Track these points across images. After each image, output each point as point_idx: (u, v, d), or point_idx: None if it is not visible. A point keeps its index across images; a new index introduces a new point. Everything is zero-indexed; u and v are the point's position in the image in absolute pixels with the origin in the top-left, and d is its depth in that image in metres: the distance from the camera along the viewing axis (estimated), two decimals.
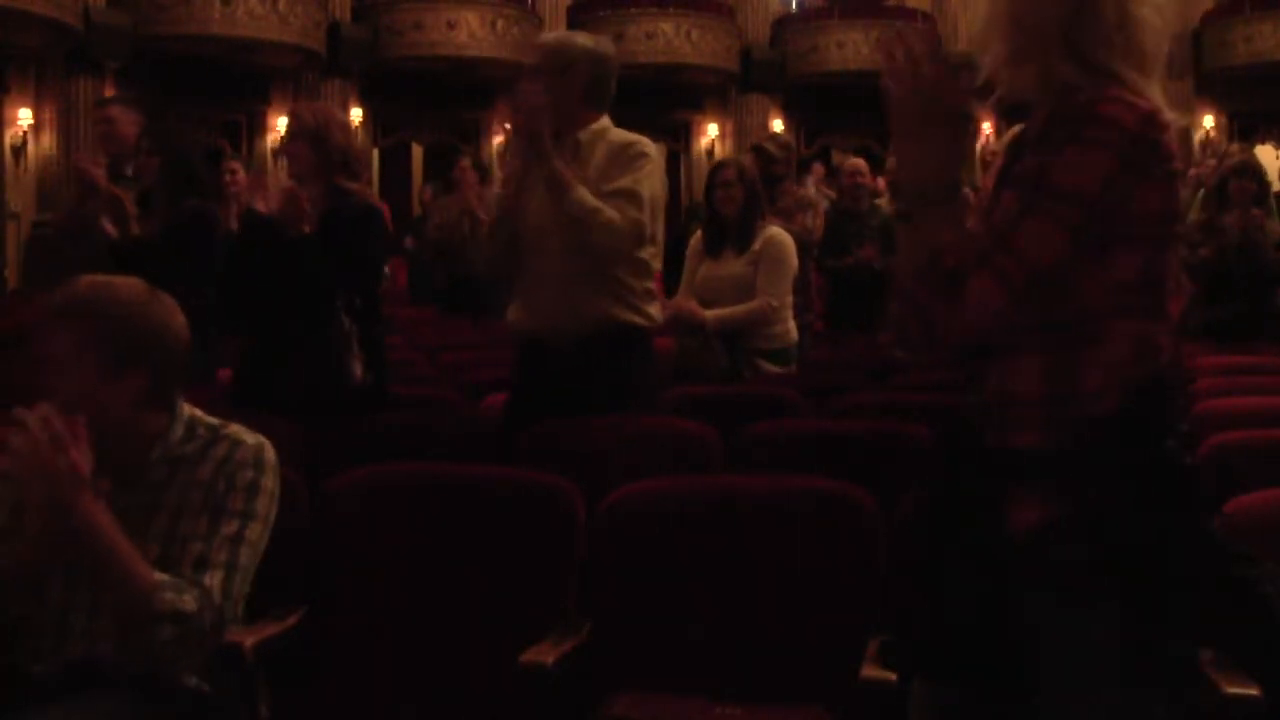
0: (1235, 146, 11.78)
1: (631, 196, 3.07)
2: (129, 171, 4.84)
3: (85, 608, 2.04)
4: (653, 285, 3.29)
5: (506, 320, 3.31)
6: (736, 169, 4.56)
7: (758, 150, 6.08)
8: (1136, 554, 1.51)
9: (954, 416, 1.71)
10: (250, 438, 2.16)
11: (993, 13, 1.62)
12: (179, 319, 2.11)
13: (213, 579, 1.99)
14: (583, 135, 3.16)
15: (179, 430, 2.11)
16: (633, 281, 3.17)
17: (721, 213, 4.47)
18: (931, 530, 1.67)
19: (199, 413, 2.17)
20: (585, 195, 3.03)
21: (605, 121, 3.24)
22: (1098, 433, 1.52)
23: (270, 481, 2.13)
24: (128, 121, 4.97)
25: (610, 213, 3.02)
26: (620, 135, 3.22)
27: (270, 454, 2.15)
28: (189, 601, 1.94)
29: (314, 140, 3.39)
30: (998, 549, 1.56)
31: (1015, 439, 1.57)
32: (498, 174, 7.80)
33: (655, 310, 3.25)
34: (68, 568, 2.03)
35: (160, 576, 1.94)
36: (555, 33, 3.59)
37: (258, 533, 2.08)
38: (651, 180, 3.15)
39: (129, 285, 2.09)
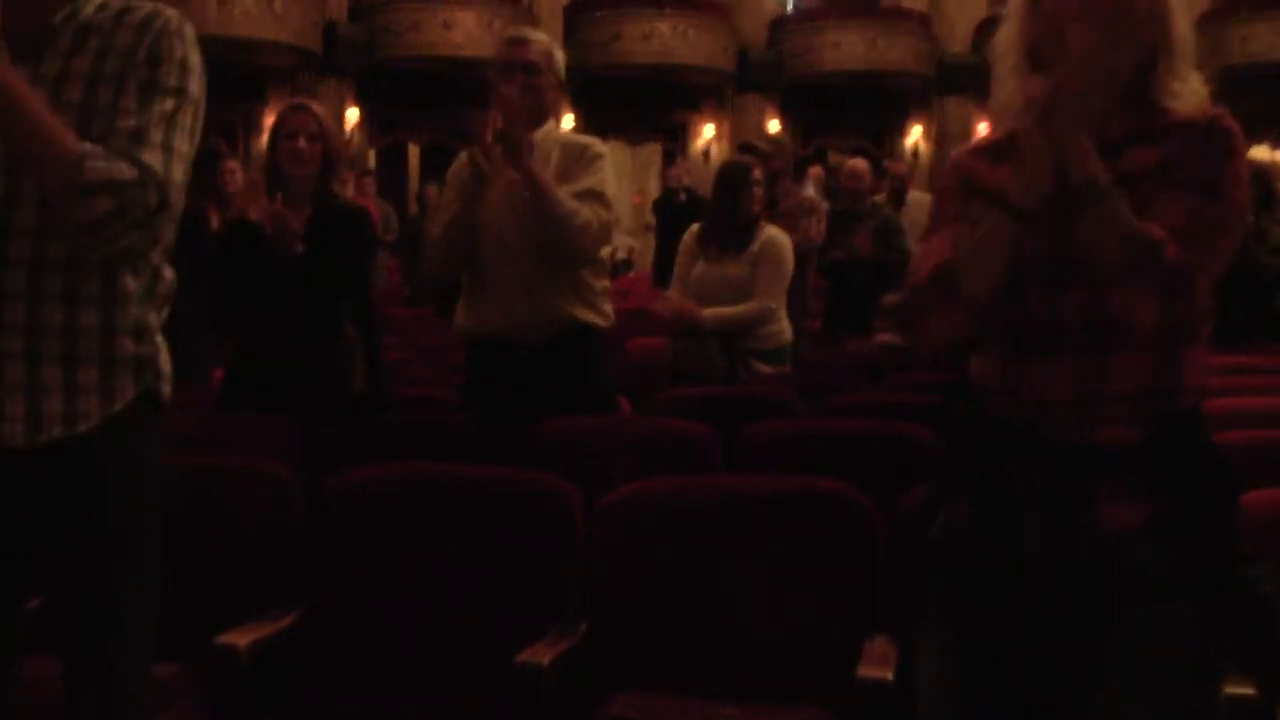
0: None
1: (599, 197, 3.12)
2: None
3: (32, 201, 1.73)
4: (608, 284, 3.35)
5: (456, 323, 3.32)
6: (763, 167, 4.66)
7: (748, 149, 6.06)
8: (1216, 552, 1.55)
9: (988, 418, 1.67)
10: (170, 10, 1.84)
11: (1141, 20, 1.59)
12: None
13: (152, 157, 1.72)
14: (536, 135, 3.16)
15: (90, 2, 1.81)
16: (593, 281, 3.23)
17: (745, 210, 4.45)
18: (977, 534, 1.64)
19: None
20: (565, 197, 3.04)
21: (551, 121, 3.28)
22: (1181, 427, 1.57)
23: (197, 61, 1.83)
24: None
25: (586, 213, 3.06)
26: (569, 136, 3.29)
27: (192, 29, 1.84)
28: (124, 169, 1.68)
29: (327, 144, 3.39)
30: (1073, 549, 1.55)
31: (1104, 435, 1.56)
32: None
33: (610, 309, 3.30)
34: None
35: (86, 145, 1.67)
36: (526, 29, 3.54)
37: (191, 117, 1.80)
38: (609, 181, 3.21)
39: None
